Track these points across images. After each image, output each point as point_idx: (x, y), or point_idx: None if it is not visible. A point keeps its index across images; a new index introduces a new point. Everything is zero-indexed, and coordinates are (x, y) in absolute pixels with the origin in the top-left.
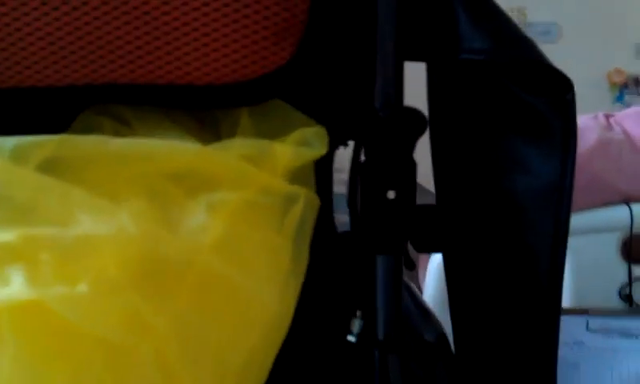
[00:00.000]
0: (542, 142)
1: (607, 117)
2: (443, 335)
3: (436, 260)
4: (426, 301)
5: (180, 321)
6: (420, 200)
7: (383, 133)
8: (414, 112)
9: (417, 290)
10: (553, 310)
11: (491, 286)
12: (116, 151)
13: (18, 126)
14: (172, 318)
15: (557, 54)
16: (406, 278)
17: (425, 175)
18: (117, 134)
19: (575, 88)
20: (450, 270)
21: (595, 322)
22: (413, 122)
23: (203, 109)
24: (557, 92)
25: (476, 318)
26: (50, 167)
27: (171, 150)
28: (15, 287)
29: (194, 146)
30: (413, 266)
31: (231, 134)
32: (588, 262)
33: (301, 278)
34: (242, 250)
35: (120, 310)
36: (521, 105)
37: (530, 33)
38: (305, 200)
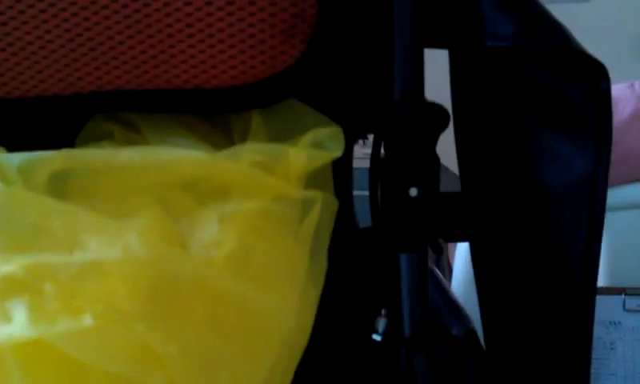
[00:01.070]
0: (575, 133)
1: None
2: (472, 331)
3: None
4: (454, 285)
5: (193, 346)
6: (443, 181)
7: (404, 129)
8: (436, 107)
9: (443, 277)
10: (585, 311)
11: (521, 280)
12: (125, 162)
13: (24, 138)
14: (184, 345)
15: (590, 14)
16: (431, 264)
17: (446, 154)
18: (127, 140)
19: (606, 49)
20: (478, 261)
21: (632, 302)
22: (435, 117)
23: (213, 113)
24: (590, 80)
25: (506, 312)
26: (58, 183)
27: (181, 159)
28: (18, 324)
29: (203, 154)
30: (440, 251)
31: (243, 137)
32: (624, 239)
33: (320, 286)
34: (255, 264)
35: (129, 341)
36: (550, 93)
37: None
38: (322, 204)
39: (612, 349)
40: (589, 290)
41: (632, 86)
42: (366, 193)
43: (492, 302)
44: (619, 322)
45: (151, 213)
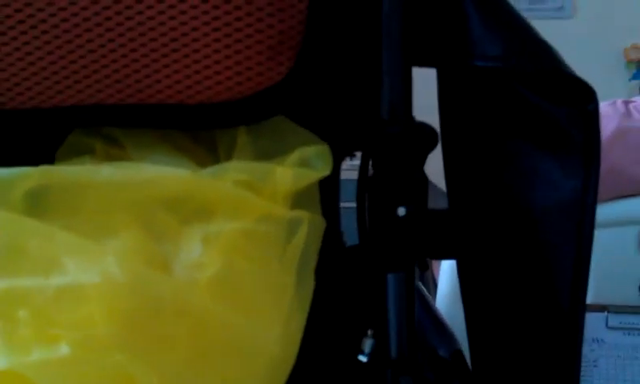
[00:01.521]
0: (563, 154)
1: (626, 103)
2: (459, 351)
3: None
4: (439, 300)
5: (175, 375)
6: (430, 198)
7: (392, 148)
8: (424, 126)
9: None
10: (574, 333)
11: (508, 301)
12: (106, 179)
13: (1, 152)
14: (166, 373)
15: (571, 31)
16: (416, 279)
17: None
18: (109, 156)
19: (590, 65)
20: (465, 280)
21: (615, 319)
22: (423, 137)
23: (197, 129)
24: (578, 102)
25: (493, 333)
26: (35, 200)
27: (163, 176)
28: None
29: (187, 172)
30: (426, 267)
31: (229, 154)
32: (606, 257)
33: (306, 309)
34: (240, 287)
35: (107, 372)
36: (539, 114)
37: (544, 9)
38: (309, 225)
39: (595, 366)
40: (577, 312)
41: (614, 103)
42: (354, 204)
43: (479, 321)
44: (602, 340)
45: (132, 233)
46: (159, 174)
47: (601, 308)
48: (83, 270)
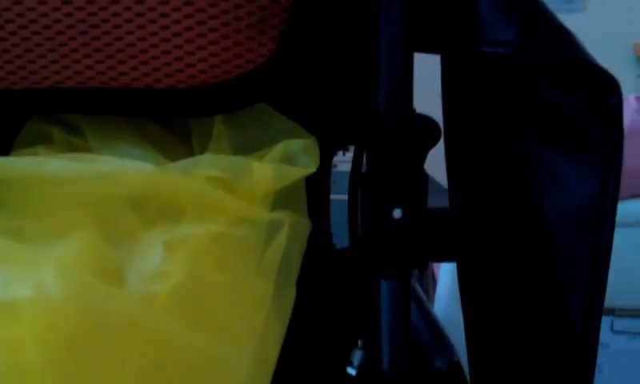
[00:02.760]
0: (580, 153)
1: (638, 99)
2: (456, 363)
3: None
4: (438, 303)
5: None
6: (431, 198)
7: (389, 143)
8: (425, 119)
9: (427, 293)
10: (585, 360)
11: (512, 313)
12: (54, 173)
13: None
14: None
15: (582, 24)
16: (413, 280)
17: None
18: (68, 145)
19: (599, 60)
20: (465, 287)
21: (620, 323)
22: (424, 132)
23: (166, 117)
24: (599, 94)
25: (494, 346)
26: None
27: (123, 171)
28: None
29: (151, 167)
30: (425, 267)
31: (203, 147)
32: (614, 258)
33: (285, 322)
34: (206, 302)
35: None
36: (553, 107)
37: (554, 1)
38: (290, 228)
39: (599, 372)
40: (590, 335)
41: (626, 99)
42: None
43: (479, 333)
44: (607, 344)
45: (83, 236)
46: (119, 168)
47: (606, 311)
48: (14, 282)
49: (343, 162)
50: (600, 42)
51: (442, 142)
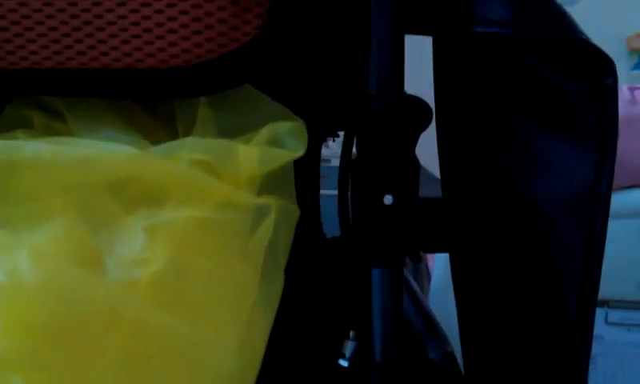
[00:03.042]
0: (574, 136)
1: (632, 90)
2: (450, 354)
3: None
4: (433, 293)
5: None
6: (423, 187)
7: (379, 126)
8: (417, 101)
9: (421, 284)
10: (581, 345)
11: (507, 302)
12: (31, 157)
13: None
14: None
15: (575, 16)
16: (407, 271)
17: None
18: (48, 129)
19: None
20: (458, 277)
21: (615, 315)
22: (415, 114)
23: (148, 99)
24: (594, 75)
25: (488, 335)
26: None
27: (103, 155)
28: None
29: (132, 150)
30: (419, 260)
31: (188, 131)
32: (607, 250)
33: (272, 311)
34: (189, 288)
35: None
36: (547, 89)
37: None
38: (277, 213)
39: (593, 363)
40: (586, 320)
41: (619, 90)
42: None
43: (473, 323)
44: (601, 336)
45: (61, 221)
46: (99, 152)
47: (600, 303)
48: None
49: (336, 157)
50: (593, 35)
51: (434, 130)
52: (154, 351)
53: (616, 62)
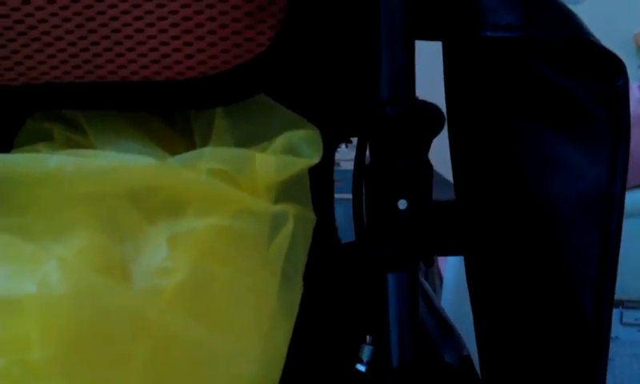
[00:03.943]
0: (587, 138)
1: None
2: (467, 358)
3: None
4: (445, 297)
5: None
6: (435, 190)
7: (392, 132)
8: (429, 106)
9: (433, 288)
10: (598, 346)
11: (522, 304)
12: (56, 169)
13: None
14: None
15: (581, 15)
16: (419, 275)
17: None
18: (69, 142)
19: None
20: (473, 280)
21: (630, 315)
22: (427, 119)
23: (166, 110)
24: (605, 77)
25: (505, 339)
26: None
27: (125, 166)
28: None
29: (153, 161)
30: (432, 263)
31: (205, 140)
32: (622, 248)
33: (292, 317)
34: (212, 297)
35: None
36: (558, 92)
37: None
38: (295, 220)
39: (608, 365)
40: (602, 320)
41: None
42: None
43: (489, 326)
44: (616, 337)
45: (86, 232)
46: (120, 164)
47: (615, 303)
48: (18, 279)
49: (346, 160)
50: (600, 33)
51: (445, 134)
52: (178, 358)
53: (624, 60)
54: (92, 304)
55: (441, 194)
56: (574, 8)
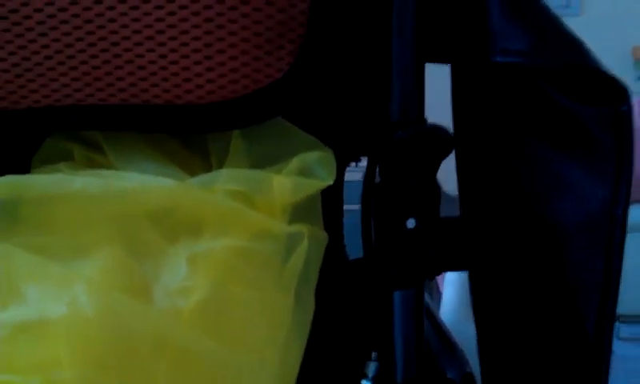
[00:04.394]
0: (591, 160)
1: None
2: (469, 374)
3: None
4: (443, 312)
5: None
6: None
7: (402, 153)
8: (438, 129)
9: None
10: (599, 366)
11: (526, 321)
12: (79, 190)
13: None
14: None
15: (579, 28)
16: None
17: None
18: (89, 162)
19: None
20: (477, 296)
21: (626, 330)
22: (436, 142)
23: (186, 132)
24: (609, 102)
25: (508, 355)
26: (2, 215)
27: (146, 187)
28: None
29: (172, 182)
30: (432, 277)
31: (222, 162)
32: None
33: (305, 335)
34: (230, 316)
35: None
36: (564, 115)
37: (551, 5)
38: (309, 240)
39: None
40: (604, 340)
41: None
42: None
43: (492, 342)
44: (613, 351)
45: (109, 252)
46: (140, 184)
47: None
48: (47, 299)
49: (350, 171)
50: (598, 46)
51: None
52: (198, 376)
53: (621, 73)
54: (119, 324)
55: (444, 210)
56: (573, 20)
